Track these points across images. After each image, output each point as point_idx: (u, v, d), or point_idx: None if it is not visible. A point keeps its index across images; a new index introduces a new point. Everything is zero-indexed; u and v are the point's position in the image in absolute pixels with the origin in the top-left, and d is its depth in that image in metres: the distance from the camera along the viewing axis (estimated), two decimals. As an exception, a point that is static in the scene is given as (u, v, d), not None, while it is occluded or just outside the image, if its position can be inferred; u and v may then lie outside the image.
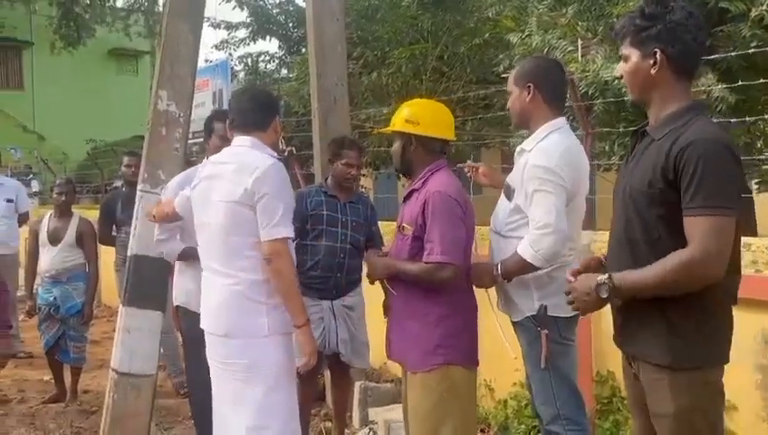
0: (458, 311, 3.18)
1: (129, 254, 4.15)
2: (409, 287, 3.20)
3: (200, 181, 3.25)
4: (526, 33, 7.08)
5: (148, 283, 4.06)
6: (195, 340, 3.47)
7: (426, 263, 3.09)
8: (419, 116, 3.25)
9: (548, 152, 2.97)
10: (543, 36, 6.66)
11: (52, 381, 6.11)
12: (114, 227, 6.48)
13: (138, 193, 4.19)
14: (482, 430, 4.52)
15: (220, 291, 3.14)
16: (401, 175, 3.48)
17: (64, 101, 21.57)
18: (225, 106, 7.25)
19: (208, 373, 3.30)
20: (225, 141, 3.48)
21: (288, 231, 3.06)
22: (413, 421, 3.24)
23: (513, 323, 3.16)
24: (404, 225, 3.23)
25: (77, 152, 19.95)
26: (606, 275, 2.25)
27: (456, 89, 10.40)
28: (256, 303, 3.10)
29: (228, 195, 3.08)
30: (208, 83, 7.51)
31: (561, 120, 3.13)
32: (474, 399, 3.32)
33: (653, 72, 2.28)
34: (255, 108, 3.27)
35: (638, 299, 2.25)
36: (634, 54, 2.33)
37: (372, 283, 3.46)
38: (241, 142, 3.22)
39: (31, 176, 17.12)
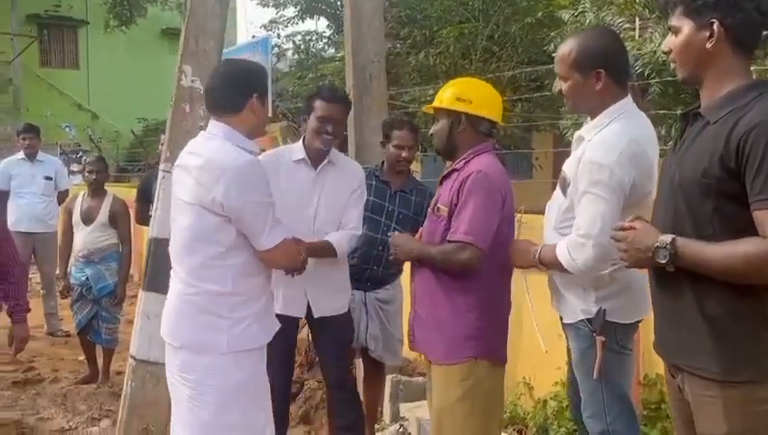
0: (491, 302, 2.99)
1: (149, 236, 4.00)
2: (438, 273, 2.99)
3: (174, 168, 2.94)
4: (579, 11, 6.72)
5: (169, 267, 3.89)
6: None
7: (448, 241, 2.89)
8: (471, 94, 3.05)
9: (608, 145, 2.59)
10: (597, 13, 6.32)
11: (86, 361, 6.08)
12: (151, 206, 6.39)
13: (159, 172, 4.03)
14: (519, 431, 4.28)
15: (179, 299, 2.86)
16: (441, 156, 3.24)
17: (118, 80, 21.79)
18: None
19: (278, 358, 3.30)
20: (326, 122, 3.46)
21: (278, 235, 2.78)
22: (433, 417, 3.06)
23: (565, 325, 2.86)
24: (439, 205, 3.03)
25: (130, 130, 20.21)
26: (669, 238, 1.98)
27: (506, 69, 10.06)
28: (216, 317, 2.79)
29: (194, 196, 2.74)
30: (249, 61, 7.34)
31: (627, 102, 2.73)
32: (499, 397, 3.11)
33: (708, 45, 2.01)
34: (226, 85, 2.81)
35: (683, 300, 2.02)
36: (686, 26, 2.05)
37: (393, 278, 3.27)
38: (213, 130, 2.81)
39: (81, 154, 17.34)
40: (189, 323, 2.81)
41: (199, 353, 2.80)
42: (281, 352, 3.56)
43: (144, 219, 6.27)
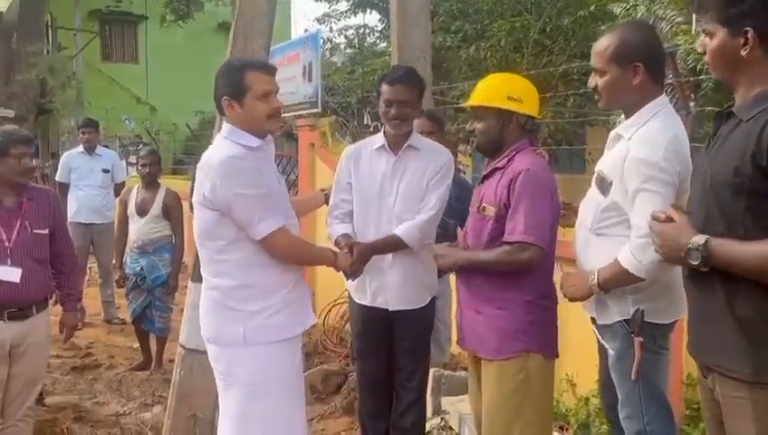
0: (542, 296, 3.00)
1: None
2: (489, 271, 3.01)
3: None
4: (631, 4, 6.62)
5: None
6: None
7: (505, 243, 2.90)
8: (521, 93, 3.06)
9: (652, 142, 2.58)
10: (650, 6, 6.22)
11: (140, 348, 6.27)
12: None
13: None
14: (561, 428, 4.27)
15: (202, 294, 3.01)
16: (484, 154, 3.24)
17: (176, 74, 22.16)
18: (315, 81, 7.19)
19: (366, 343, 3.61)
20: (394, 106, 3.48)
21: (271, 224, 2.83)
22: (486, 413, 3.07)
23: (601, 327, 2.84)
24: (484, 205, 3.03)
25: (185, 124, 20.61)
26: (703, 240, 1.96)
27: (558, 63, 9.96)
28: (231, 310, 2.90)
29: (196, 193, 2.90)
30: (298, 56, 7.42)
31: (663, 99, 2.73)
32: (551, 391, 3.13)
33: (743, 52, 2.00)
34: (216, 88, 2.94)
35: (715, 301, 2.00)
36: (720, 32, 2.04)
37: (440, 276, 3.28)
38: (222, 129, 2.99)
39: (140, 146, 17.77)
40: (211, 318, 2.94)
41: (222, 347, 2.93)
42: (374, 346, 3.67)
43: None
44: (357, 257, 3.36)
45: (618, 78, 2.68)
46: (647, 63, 2.67)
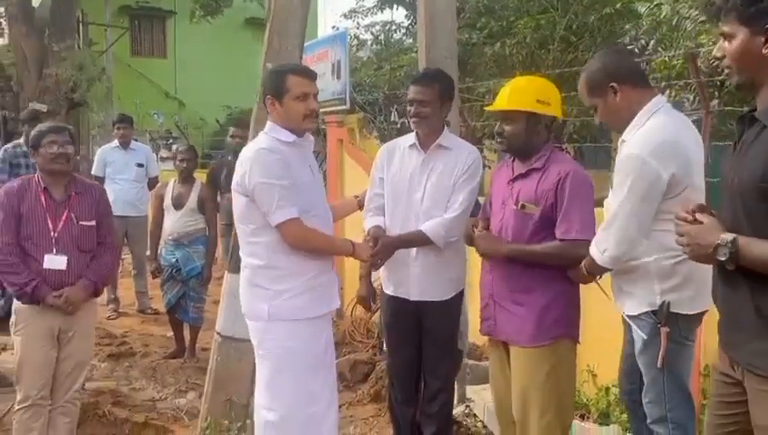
0: (573, 284, 3.19)
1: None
2: (520, 265, 3.18)
3: None
4: (655, 3, 6.68)
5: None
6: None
7: (561, 241, 3.07)
8: (548, 96, 3.22)
9: (645, 139, 2.76)
10: (674, 6, 6.27)
11: (174, 337, 6.47)
12: (219, 193, 6.76)
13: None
14: (581, 416, 4.39)
15: (241, 274, 3.34)
16: (514, 155, 3.36)
17: (204, 69, 22.36)
18: (343, 78, 7.33)
19: (395, 332, 3.79)
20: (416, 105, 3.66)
21: (286, 213, 3.10)
22: (519, 398, 3.22)
23: (627, 317, 2.99)
24: (524, 203, 3.17)
25: (215, 118, 20.82)
26: (731, 237, 2.02)
27: (584, 60, 10.01)
28: (259, 288, 3.22)
29: (234, 181, 3.23)
30: (328, 54, 7.57)
31: (659, 100, 2.90)
32: (575, 375, 3.34)
33: (765, 51, 2.05)
34: (263, 88, 3.35)
35: (742, 300, 2.08)
36: (741, 33, 2.09)
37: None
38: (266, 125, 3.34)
39: (171, 140, 18.00)
40: (245, 294, 3.27)
41: (253, 320, 3.26)
42: (402, 335, 3.81)
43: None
44: (380, 249, 3.55)
45: (605, 106, 2.91)
46: (618, 79, 2.87)
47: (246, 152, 3.22)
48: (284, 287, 3.18)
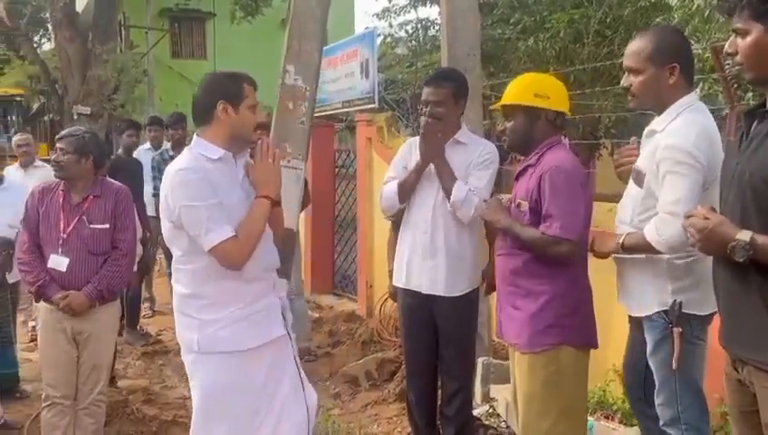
0: (573, 289, 3.11)
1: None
2: (519, 266, 3.14)
3: None
4: (687, -6, 6.56)
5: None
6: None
7: (543, 234, 3.02)
8: (548, 90, 3.17)
9: (683, 131, 2.71)
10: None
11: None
12: None
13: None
14: (606, 417, 4.34)
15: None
16: (517, 152, 3.38)
17: (243, 70, 22.48)
18: (371, 77, 7.36)
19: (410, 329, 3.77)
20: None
21: (221, 234, 2.76)
22: (520, 403, 3.20)
23: (635, 319, 2.96)
24: (519, 201, 3.16)
25: (253, 118, 21.02)
26: (748, 237, 2.01)
27: (619, 54, 9.86)
28: (188, 317, 2.92)
29: (161, 205, 2.93)
30: (356, 53, 7.61)
31: (692, 97, 2.86)
32: (584, 382, 3.22)
33: None
34: (198, 98, 2.93)
35: (750, 295, 2.05)
36: (755, 29, 2.07)
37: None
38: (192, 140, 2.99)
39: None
40: (177, 323, 3.00)
41: (185, 351, 2.99)
42: (416, 332, 3.83)
43: None
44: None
45: (654, 78, 2.79)
46: (682, 65, 2.79)
47: (167, 172, 2.88)
48: (214, 317, 2.86)
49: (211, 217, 2.77)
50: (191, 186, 2.80)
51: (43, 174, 6.36)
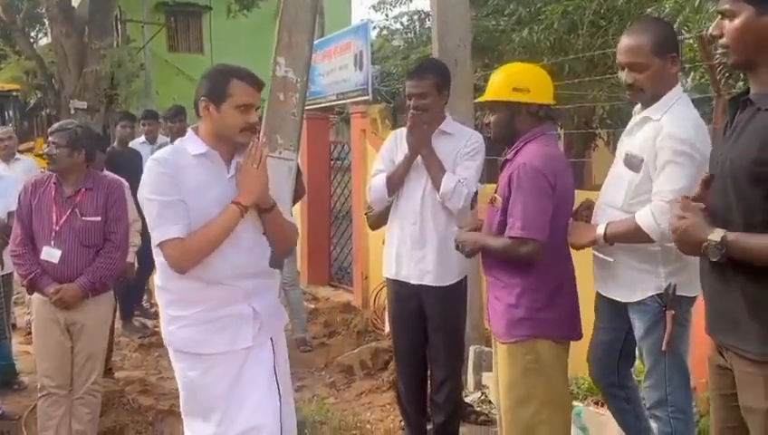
0: (546, 283, 3.08)
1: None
2: (496, 259, 3.16)
3: None
4: (678, -16, 6.58)
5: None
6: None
7: (508, 238, 3.02)
8: (528, 82, 3.13)
9: (682, 122, 2.76)
10: (696, -13, 6.15)
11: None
12: None
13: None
14: (596, 403, 4.37)
15: None
16: (499, 145, 3.38)
17: (240, 63, 22.31)
18: (365, 69, 7.39)
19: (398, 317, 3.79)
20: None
21: (164, 232, 2.66)
22: (501, 390, 3.23)
23: (621, 305, 2.97)
24: (495, 196, 3.15)
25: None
26: (719, 237, 2.01)
27: (614, 44, 9.87)
28: (161, 309, 2.88)
29: None
30: (350, 46, 7.64)
31: (680, 87, 2.93)
32: (564, 373, 3.22)
33: None
34: (197, 88, 2.83)
35: (730, 286, 2.08)
36: (744, 10, 2.05)
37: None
38: None
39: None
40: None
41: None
42: (404, 320, 3.87)
43: None
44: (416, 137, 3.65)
45: (659, 70, 2.81)
46: (676, 54, 2.85)
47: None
48: (179, 314, 2.78)
49: (162, 213, 2.66)
50: (153, 178, 2.72)
51: (23, 167, 6.41)
